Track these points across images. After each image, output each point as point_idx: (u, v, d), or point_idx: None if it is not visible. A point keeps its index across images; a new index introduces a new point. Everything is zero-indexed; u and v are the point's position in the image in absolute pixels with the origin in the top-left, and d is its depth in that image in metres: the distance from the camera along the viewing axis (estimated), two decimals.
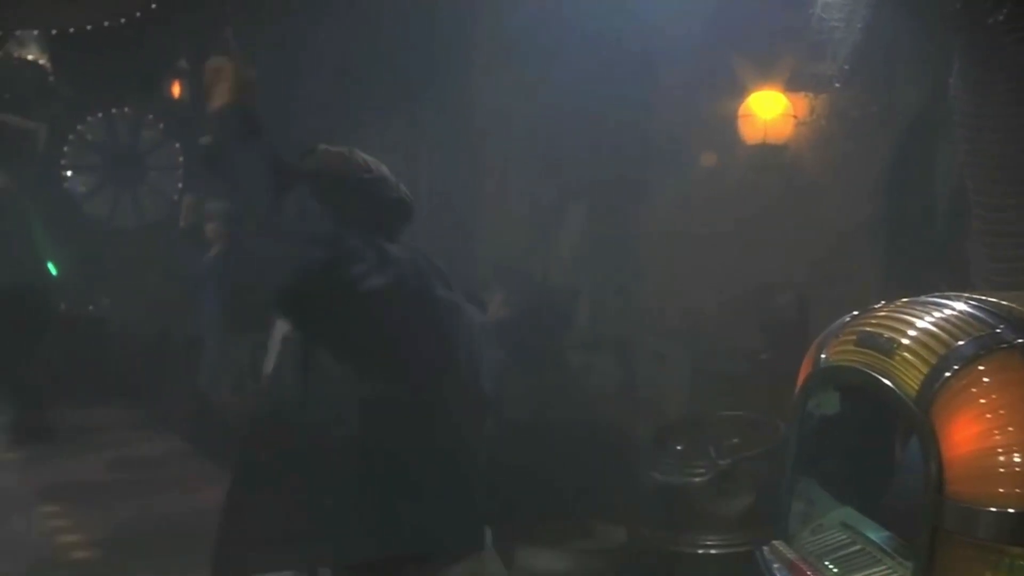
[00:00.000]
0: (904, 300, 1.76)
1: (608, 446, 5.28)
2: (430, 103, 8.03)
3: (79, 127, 9.48)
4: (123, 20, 8.65)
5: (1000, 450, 1.42)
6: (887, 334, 1.65)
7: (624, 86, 5.21)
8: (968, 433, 1.45)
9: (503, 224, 6.75)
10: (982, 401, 1.47)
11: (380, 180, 2.66)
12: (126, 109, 9.55)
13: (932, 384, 1.51)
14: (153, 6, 8.53)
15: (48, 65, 8.54)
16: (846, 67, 3.72)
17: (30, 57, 8.42)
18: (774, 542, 1.88)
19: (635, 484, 4.07)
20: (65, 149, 9.45)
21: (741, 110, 4.83)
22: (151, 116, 9.56)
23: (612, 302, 5.79)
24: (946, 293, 1.72)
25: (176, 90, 8.74)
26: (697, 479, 3.46)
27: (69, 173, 9.62)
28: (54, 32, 8.55)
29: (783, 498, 1.92)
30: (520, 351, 5.05)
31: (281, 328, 2.73)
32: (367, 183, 2.63)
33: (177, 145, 9.64)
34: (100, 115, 9.51)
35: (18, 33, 8.31)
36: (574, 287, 6.07)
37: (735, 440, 3.73)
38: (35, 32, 8.43)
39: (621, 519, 4.25)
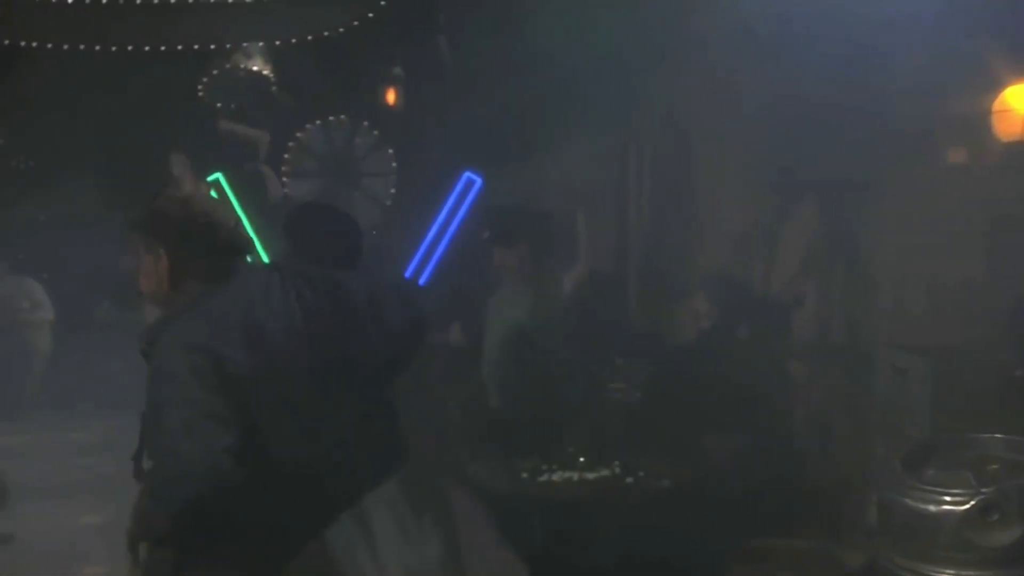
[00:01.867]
0: None
1: (840, 466, 5.00)
2: (645, 104, 7.89)
3: (298, 134, 9.78)
4: (341, 30, 8.88)
5: None
6: None
7: (859, 82, 4.92)
8: None
9: (721, 229, 6.53)
10: None
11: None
12: (342, 116, 9.80)
13: None
14: (370, 15, 8.72)
15: (271, 75, 8.82)
16: None
17: (255, 68, 8.73)
18: None
19: (875, 508, 3.79)
20: (285, 156, 9.77)
21: (996, 105, 4.47)
22: (366, 123, 9.76)
23: (841, 311, 5.49)
24: None
25: (391, 97, 8.88)
26: (958, 507, 3.17)
27: (287, 179, 9.92)
28: (277, 43, 8.85)
29: None
30: (735, 361, 4.86)
31: None
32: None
33: (390, 151, 9.81)
34: (318, 122, 9.79)
35: (244, 45, 8.61)
36: (798, 295, 5.79)
37: (995, 465, 3.41)
38: (260, 44, 8.72)
39: (859, 544, 3.99)
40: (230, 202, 2.78)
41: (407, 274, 9.25)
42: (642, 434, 5.03)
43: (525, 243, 4.56)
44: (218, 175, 8.88)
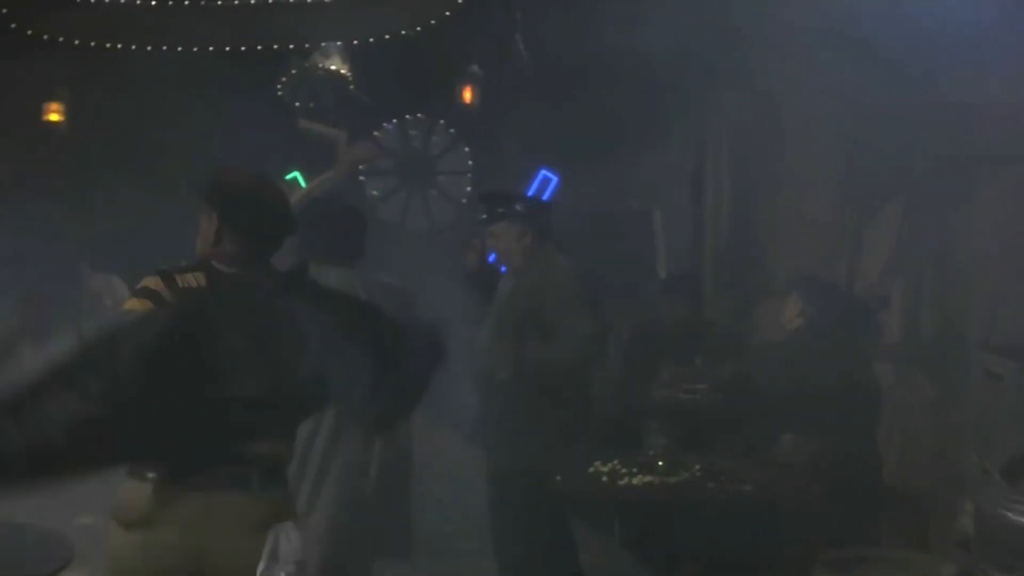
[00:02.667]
0: None
1: (929, 473, 4.88)
2: (724, 101, 7.79)
3: (375, 133, 9.83)
4: (418, 29, 8.89)
5: None
6: None
7: (951, 78, 4.78)
8: None
9: (806, 228, 6.40)
10: None
11: None
12: (419, 115, 9.82)
13: None
14: (447, 14, 8.71)
15: (349, 74, 8.86)
16: None
17: (333, 67, 8.77)
18: None
19: (970, 519, 3.67)
20: None
21: None
22: (442, 122, 9.77)
23: (932, 312, 5.34)
24: None
25: (467, 96, 8.87)
26: None
27: (363, 178, 9.97)
28: (355, 43, 8.89)
29: None
30: (820, 363, 4.76)
31: None
32: None
33: (466, 149, 9.81)
34: (395, 121, 9.82)
35: (323, 45, 8.67)
36: (884, 296, 5.66)
37: None
38: (338, 43, 8.77)
39: (950, 555, 3.87)
40: (284, 191, 2.93)
41: None
42: (724, 437, 4.96)
43: (521, 227, 4.56)
44: (295, 174, 8.95)
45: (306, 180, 8.98)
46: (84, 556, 3.00)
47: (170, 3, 8.57)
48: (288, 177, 8.81)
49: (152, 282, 2.79)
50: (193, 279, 2.81)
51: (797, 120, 6.52)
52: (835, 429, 4.50)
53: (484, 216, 4.74)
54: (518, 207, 4.53)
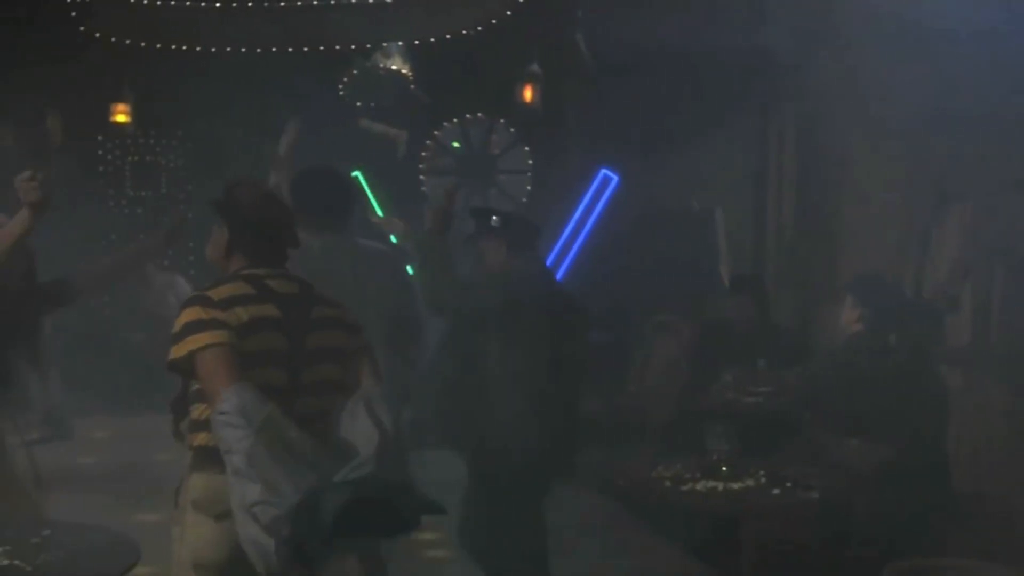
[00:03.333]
0: None
1: (998, 480, 4.78)
2: (786, 101, 7.70)
3: (436, 132, 9.85)
4: (479, 28, 8.92)
5: None
6: None
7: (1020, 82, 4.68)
8: None
9: (870, 229, 6.31)
10: None
11: None
12: (479, 114, 9.83)
13: None
14: (508, 13, 8.73)
15: (410, 74, 8.89)
16: None
17: (394, 67, 8.80)
18: None
19: None
20: (423, 153, 9.85)
21: None
22: (502, 121, 9.77)
23: (1000, 316, 5.23)
24: None
25: (528, 95, 8.85)
26: None
27: (423, 177, 10.00)
28: (416, 42, 8.93)
29: None
30: (887, 367, 4.68)
31: None
32: None
33: (526, 149, 9.80)
34: (455, 120, 9.84)
35: (385, 45, 8.70)
36: (952, 298, 5.56)
37: None
38: (399, 43, 8.80)
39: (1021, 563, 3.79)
40: (286, 205, 3.15)
41: None
42: (788, 441, 4.90)
43: (498, 240, 4.48)
44: (357, 172, 9.00)
45: (367, 178, 9.05)
46: (148, 554, 3.03)
47: (233, 5, 8.69)
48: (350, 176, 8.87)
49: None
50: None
51: (864, 118, 6.42)
52: (902, 434, 4.42)
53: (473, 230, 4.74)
54: (494, 222, 4.54)
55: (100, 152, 9.93)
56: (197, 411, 2.88)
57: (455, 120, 9.86)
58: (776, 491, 3.72)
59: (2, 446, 3.73)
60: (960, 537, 4.35)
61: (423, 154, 9.88)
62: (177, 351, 2.81)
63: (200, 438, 2.87)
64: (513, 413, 4.05)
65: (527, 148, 9.81)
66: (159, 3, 8.68)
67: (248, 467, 2.59)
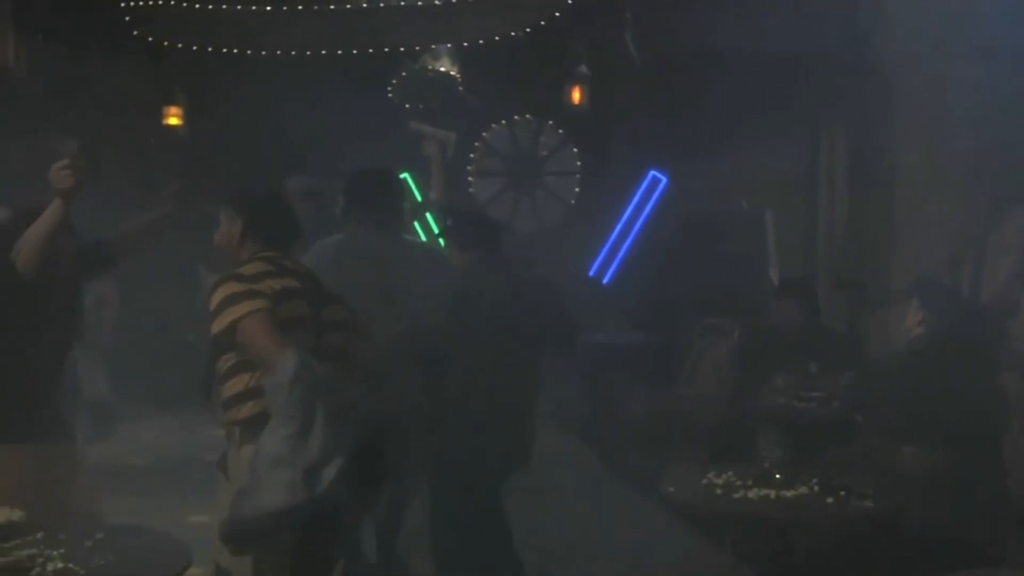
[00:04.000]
0: None
1: None
2: (838, 102, 7.60)
3: (484, 134, 9.84)
4: (527, 30, 8.88)
5: None
6: None
7: None
8: None
9: (928, 230, 6.20)
10: None
11: None
12: (528, 116, 9.80)
13: None
14: (556, 15, 8.68)
15: (458, 76, 8.89)
16: None
17: (443, 69, 8.81)
18: None
19: None
20: (471, 155, 9.85)
21: None
22: (551, 122, 9.74)
23: None
24: None
25: (576, 96, 8.83)
26: None
27: (472, 179, 10.00)
28: (464, 44, 8.92)
29: None
30: (945, 372, 4.59)
31: None
32: None
33: (575, 150, 9.77)
34: (503, 122, 9.82)
35: (433, 47, 8.71)
36: (1011, 302, 5.44)
37: None
38: (448, 45, 8.80)
39: None
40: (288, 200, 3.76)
41: (591, 273, 9.21)
42: (840, 448, 4.83)
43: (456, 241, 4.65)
44: (406, 174, 9.01)
45: (416, 180, 9.06)
46: (200, 556, 3.05)
47: (284, 8, 8.72)
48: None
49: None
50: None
51: (919, 117, 6.32)
52: (959, 441, 4.33)
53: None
54: (448, 224, 4.67)
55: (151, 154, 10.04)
56: (240, 383, 3.08)
57: (503, 122, 9.84)
58: (830, 500, 3.65)
59: (73, 440, 3.77)
60: (1019, 548, 4.26)
61: (472, 156, 9.87)
62: (218, 324, 3.06)
63: (247, 408, 3.06)
64: (468, 410, 4.14)
65: (575, 149, 9.78)
66: (211, 7, 8.74)
67: (310, 427, 2.81)
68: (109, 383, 6.77)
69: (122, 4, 8.56)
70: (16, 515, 3.00)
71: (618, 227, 9.29)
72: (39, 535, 2.98)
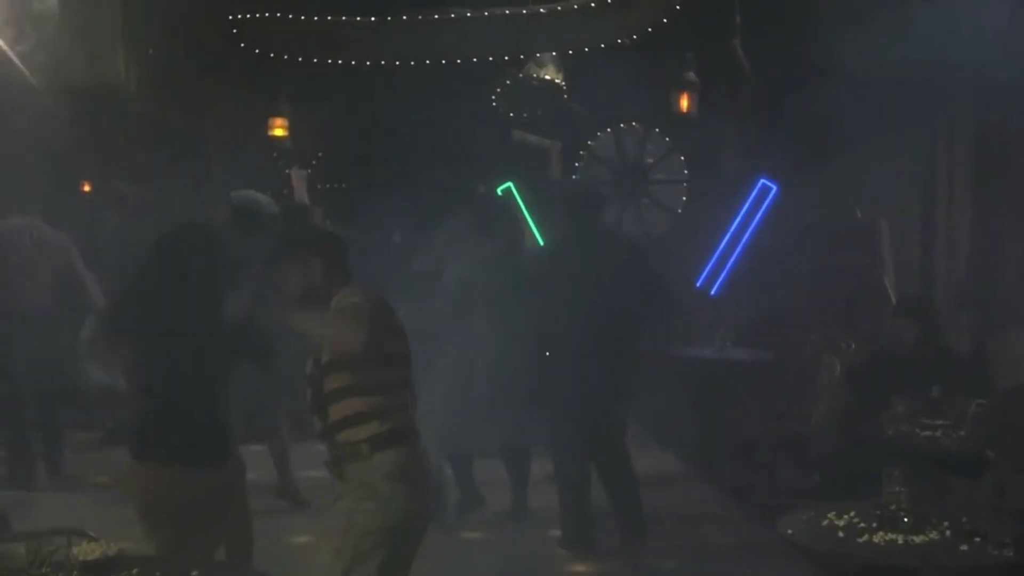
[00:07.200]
0: None
1: None
2: (954, 109, 7.30)
3: (590, 143, 9.69)
4: (634, 36, 8.73)
5: None
6: None
7: None
8: None
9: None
10: None
11: None
12: (634, 124, 9.62)
13: None
14: (664, 21, 8.52)
15: (563, 84, 8.79)
16: None
17: (547, 77, 8.71)
18: None
19: None
20: (576, 164, 9.70)
21: None
22: (657, 130, 9.55)
23: None
24: None
25: (683, 104, 8.64)
26: None
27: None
28: (569, 52, 8.81)
29: None
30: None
31: None
32: None
33: (682, 158, 9.56)
34: (609, 130, 9.66)
35: (538, 55, 8.62)
36: None
37: None
38: (552, 53, 8.70)
39: None
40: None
41: (699, 283, 9.01)
42: (969, 483, 4.57)
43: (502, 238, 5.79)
44: (509, 184, 8.94)
45: (520, 190, 8.97)
46: None
47: (388, 19, 8.73)
48: (501, 188, 8.81)
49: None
50: None
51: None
52: None
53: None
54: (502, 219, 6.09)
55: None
56: (358, 405, 3.25)
57: (609, 130, 9.68)
58: (964, 547, 3.42)
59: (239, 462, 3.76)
60: None
61: (577, 164, 9.73)
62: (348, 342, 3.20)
63: (369, 428, 3.24)
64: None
65: (682, 158, 9.56)
66: (316, 18, 8.79)
67: None
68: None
69: (229, 17, 8.66)
70: (112, 550, 2.97)
71: (727, 237, 9.07)
72: (134, 571, 2.94)
